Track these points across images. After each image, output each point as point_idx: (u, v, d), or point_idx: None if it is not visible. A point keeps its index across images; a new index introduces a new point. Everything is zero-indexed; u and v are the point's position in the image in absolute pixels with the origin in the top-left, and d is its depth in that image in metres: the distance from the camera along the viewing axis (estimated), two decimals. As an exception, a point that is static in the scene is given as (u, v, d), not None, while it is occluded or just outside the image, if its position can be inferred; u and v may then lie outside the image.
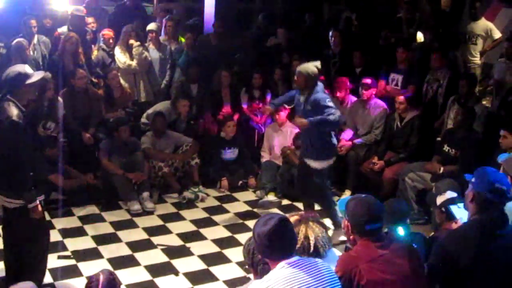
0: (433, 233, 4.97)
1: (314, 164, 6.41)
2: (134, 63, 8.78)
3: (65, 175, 7.14)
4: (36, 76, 4.99)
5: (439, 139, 7.44)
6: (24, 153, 4.84)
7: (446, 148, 6.98)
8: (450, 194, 4.58)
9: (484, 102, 8.30)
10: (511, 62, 8.15)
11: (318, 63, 6.31)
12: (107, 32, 9.06)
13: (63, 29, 8.83)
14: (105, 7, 10.75)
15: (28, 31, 8.28)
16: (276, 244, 3.16)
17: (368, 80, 7.93)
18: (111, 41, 8.99)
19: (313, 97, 6.20)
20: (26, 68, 4.98)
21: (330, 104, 6.18)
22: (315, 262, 3.23)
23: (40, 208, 4.94)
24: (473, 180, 3.66)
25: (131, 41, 8.79)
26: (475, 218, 3.63)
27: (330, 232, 3.98)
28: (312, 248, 3.56)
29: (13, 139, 4.78)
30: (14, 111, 4.73)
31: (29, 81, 4.88)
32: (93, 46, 9.16)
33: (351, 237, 3.58)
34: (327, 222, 6.18)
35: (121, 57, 8.76)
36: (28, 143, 4.94)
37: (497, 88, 8.23)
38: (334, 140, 6.54)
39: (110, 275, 3.57)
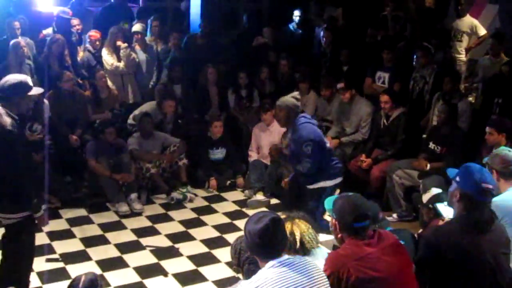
0: (420, 230, 4.99)
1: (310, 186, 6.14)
2: (121, 64, 8.75)
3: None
4: (36, 90, 4.94)
5: (425, 136, 7.48)
6: (24, 162, 4.70)
7: (431, 145, 7.00)
8: (435, 190, 4.61)
9: (470, 99, 8.34)
10: (496, 59, 8.21)
11: (296, 94, 6.15)
12: (94, 34, 8.99)
13: (48, 30, 8.78)
14: (90, 8, 10.70)
15: (12, 33, 8.23)
16: (266, 243, 3.16)
17: (341, 85, 7.98)
18: (97, 42, 8.94)
19: (297, 135, 5.98)
20: (28, 79, 4.89)
21: (308, 148, 5.93)
22: (304, 261, 3.23)
23: (45, 216, 4.85)
24: (458, 179, 3.67)
25: (119, 43, 8.76)
26: (463, 215, 3.64)
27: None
28: (298, 244, 3.57)
29: (11, 149, 4.62)
30: (7, 120, 4.60)
31: (30, 93, 4.80)
32: (78, 47, 9.12)
33: (339, 235, 3.59)
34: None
35: (108, 59, 8.72)
36: (27, 152, 4.81)
37: (483, 85, 8.28)
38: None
39: (93, 276, 3.61)
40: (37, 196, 4.81)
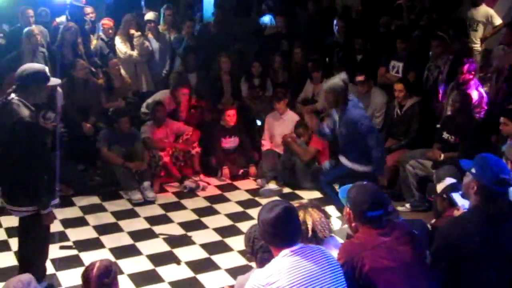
0: (434, 220, 4.97)
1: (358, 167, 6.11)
2: (135, 53, 8.75)
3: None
4: (54, 81, 4.84)
5: (439, 126, 7.43)
6: (40, 155, 4.63)
7: (445, 135, 6.95)
8: (450, 180, 4.59)
9: (485, 89, 8.27)
10: (509, 48, 8.13)
11: (343, 75, 6.08)
12: (107, 22, 8.99)
13: (62, 18, 8.80)
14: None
15: (26, 21, 8.25)
16: (279, 232, 3.15)
17: (360, 78, 7.93)
18: (110, 31, 8.94)
19: (346, 117, 5.94)
20: (46, 69, 4.79)
21: (367, 126, 5.92)
22: (318, 249, 3.22)
23: (53, 213, 4.82)
24: (473, 171, 3.61)
25: (132, 31, 8.75)
26: (479, 206, 3.59)
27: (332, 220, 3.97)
28: (310, 233, 3.56)
29: (29, 141, 4.55)
30: (25, 112, 4.54)
31: (50, 84, 4.73)
32: (91, 36, 9.13)
33: (352, 224, 3.57)
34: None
35: (121, 47, 8.72)
36: (44, 144, 4.72)
37: (497, 74, 8.20)
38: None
39: (107, 262, 3.60)
40: (48, 190, 4.74)
